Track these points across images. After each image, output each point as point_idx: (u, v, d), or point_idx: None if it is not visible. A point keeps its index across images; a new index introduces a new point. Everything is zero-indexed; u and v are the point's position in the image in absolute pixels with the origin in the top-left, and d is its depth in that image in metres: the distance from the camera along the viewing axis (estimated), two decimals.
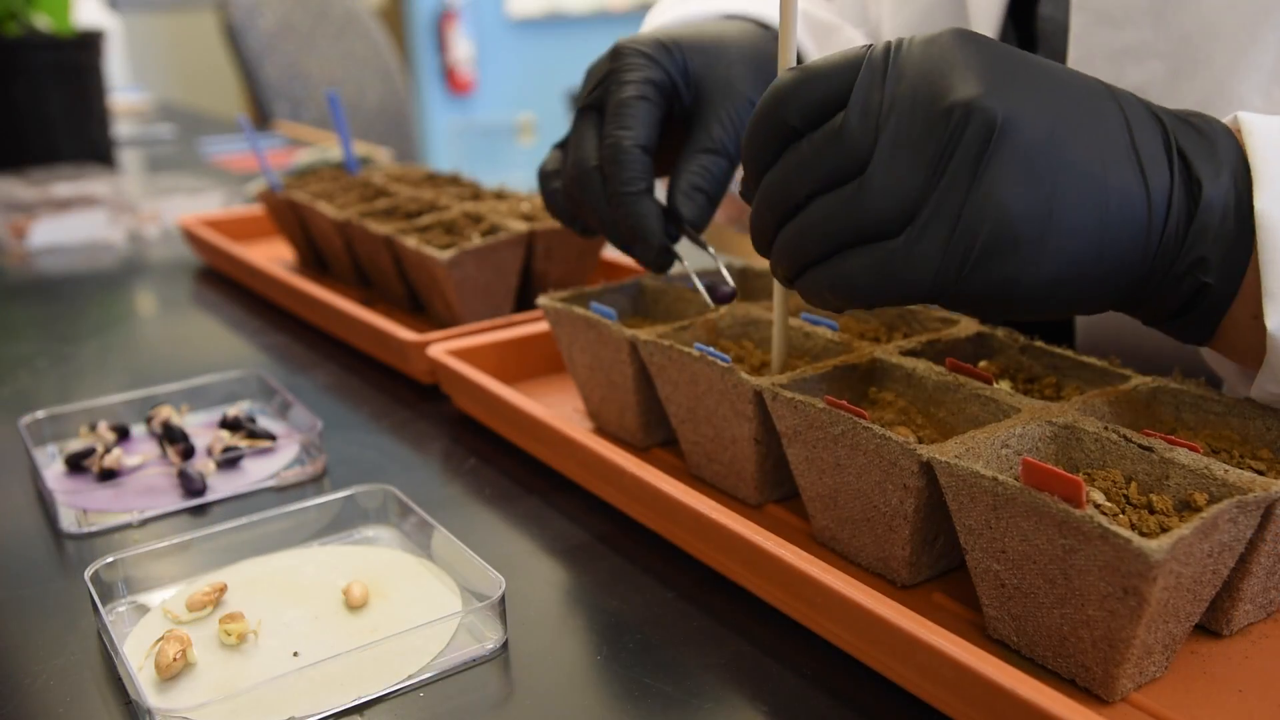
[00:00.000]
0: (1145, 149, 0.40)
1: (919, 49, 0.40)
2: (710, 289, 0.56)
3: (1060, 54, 0.62)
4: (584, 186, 0.57)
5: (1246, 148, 0.42)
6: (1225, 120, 0.43)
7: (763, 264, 0.67)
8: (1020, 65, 0.39)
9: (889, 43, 0.41)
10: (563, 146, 0.62)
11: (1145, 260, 0.40)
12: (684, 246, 0.58)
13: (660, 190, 0.58)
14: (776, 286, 0.51)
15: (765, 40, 0.63)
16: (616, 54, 0.59)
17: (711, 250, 0.59)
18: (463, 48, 4.17)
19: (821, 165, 0.40)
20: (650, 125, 0.57)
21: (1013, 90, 0.38)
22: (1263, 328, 0.42)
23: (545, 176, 0.62)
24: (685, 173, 0.57)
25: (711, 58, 0.60)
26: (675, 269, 0.58)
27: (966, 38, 0.40)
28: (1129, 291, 0.42)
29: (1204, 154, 0.41)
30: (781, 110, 0.41)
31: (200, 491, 0.59)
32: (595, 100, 0.59)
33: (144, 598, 0.49)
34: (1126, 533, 0.34)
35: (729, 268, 0.65)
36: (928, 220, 0.38)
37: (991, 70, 0.39)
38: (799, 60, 0.62)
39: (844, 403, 0.45)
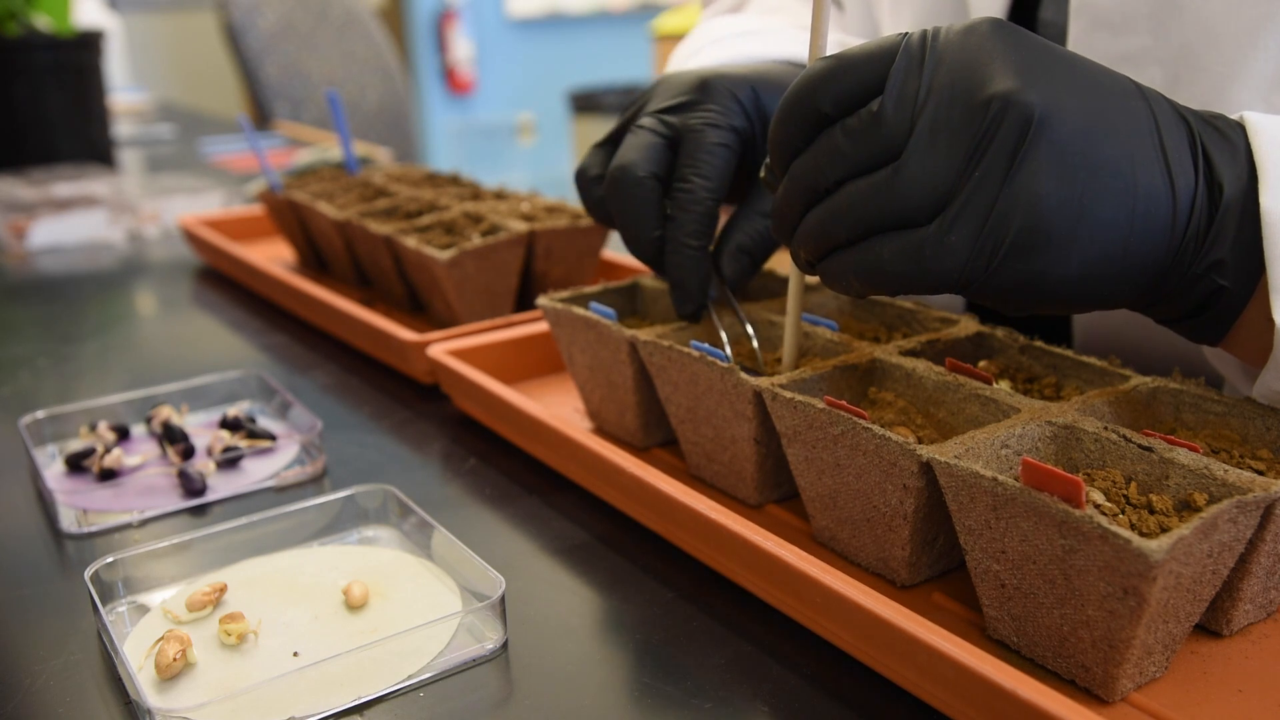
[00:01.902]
0: (1172, 149, 0.40)
1: (957, 38, 0.40)
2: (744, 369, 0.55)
3: None
4: (624, 192, 0.56)
5: (1253, 147, 0.42)
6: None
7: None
8: (1056, 60, 0.40)
9: (924, 31, 0.41)
10: (604, 146, 0.61)
11: (1166, 260, 0.41)
12: None
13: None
14: (791, 283, 0.51)
15: None
16: (705, 87, 0.58)
17: (740, 311, 0.58)
18: (463, 48, 4.18)
19: (855, 152, 0.40)
20: (727, 176, 0.56)
21: (1050, 85, 0.38)
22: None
23: (588, 181, 0.61)
24: (738, 232, 0.57)
25: None
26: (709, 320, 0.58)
27: (1004, 28, 0.40)
28: (1148, 291, 0.42)
29: (1227, 157, 0.41)
30: (815, 97, 0.41)
31: (200, 491, 0.59)
32: (669, 125, 0.57)
33: (144, 598, 0.49)
34: (1126, 533, 0.34)
35: None
36: (960, 210, 0.39)
37: (1030, 63, 0.39)
38: None
39: (844, 403, 0.45)
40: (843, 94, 0.41)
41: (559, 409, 0.65)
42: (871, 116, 0.40)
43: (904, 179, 0.39)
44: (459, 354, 0.68)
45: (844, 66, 0.41)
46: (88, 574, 0.47)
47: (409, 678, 0.43)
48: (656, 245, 0.57)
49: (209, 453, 0.63)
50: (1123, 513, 0.40)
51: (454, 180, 1.00)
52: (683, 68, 0.65)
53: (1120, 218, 0.39)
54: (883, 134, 0.40)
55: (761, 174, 0.47)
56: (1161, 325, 0.45)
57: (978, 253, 0.39)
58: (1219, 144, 0.41)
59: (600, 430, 0.63)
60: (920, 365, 0.50)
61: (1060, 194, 0.38)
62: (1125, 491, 0.41)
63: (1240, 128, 0.42)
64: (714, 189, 0.56)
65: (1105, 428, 0.43)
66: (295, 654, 0.45)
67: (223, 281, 1.05)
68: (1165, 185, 0.40)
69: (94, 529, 0.56)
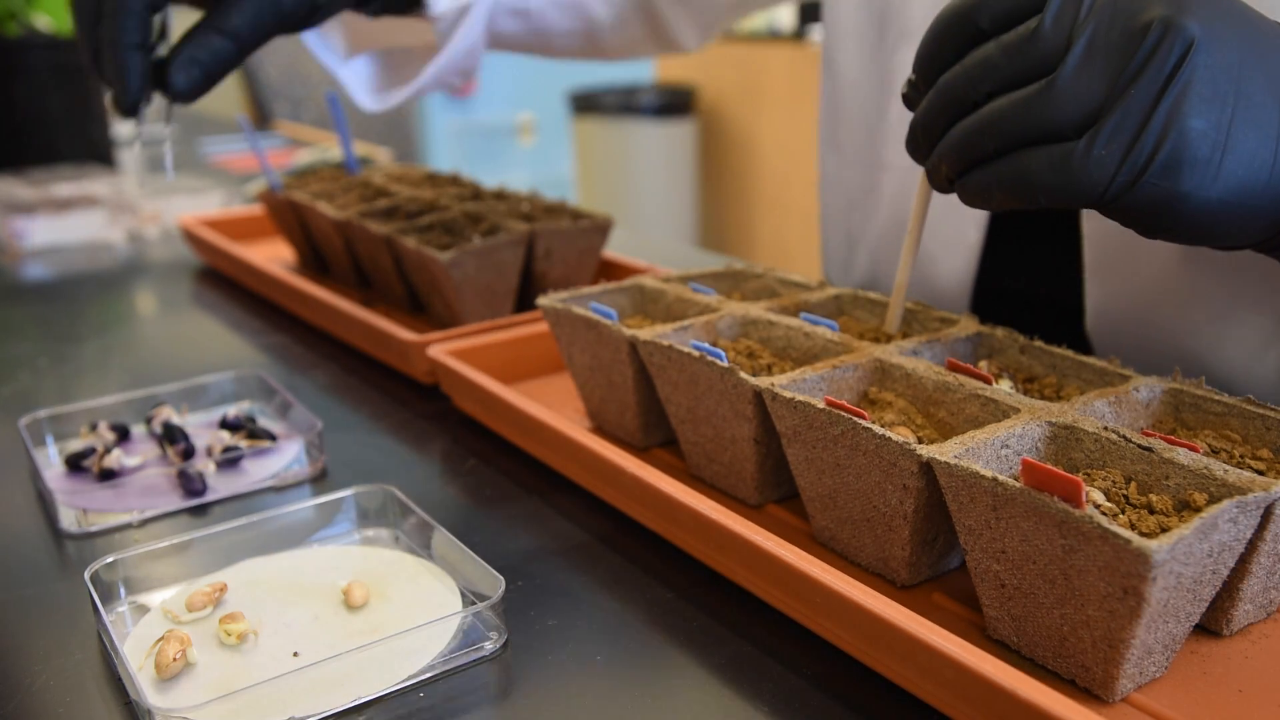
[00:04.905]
0: None
1: None
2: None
3: None
4: (79, 6, 0.61)
5: None
6: None
7: (758, 264, 0.67)
8: None
9: None
10: None
11: None
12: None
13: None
14: (916, 205, 0.51)
15: None
16: None
17: (170, 127, 0.63)
18: None
19: (1009, 66, 0.42)
20: None
21: (1208, 14, 0.40)
22: None
23: None
24: (190, 45, 0.60)
25: None
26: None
27: None
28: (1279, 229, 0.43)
29: None
30: (974, 13, 0.43)
31: (200, 491, 0.59)
32: None
33: (144, 598, 0.49)
34: (1126, 533, 0.34)
35: (727, 269, 0.65)
36: (1112, 126, 0.40)
37: None
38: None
39: (844, 403, 0.45)
40: (1002, 12, 0.42)
41: (559, 409, 0.65)
42: (1030, 32, 0.41)
43: (1057, 92, 0.40)
44: (459, 354, 0.68)
45: None
46: (88, 574, 0.47)
47: (409, 678, 0.43)
48: (93, 46, 0.61)
49: (209, 453, 0.63)
50: (1122, 513, 0.40)
51: (454, 180, 1.00)
52: None
53: (1263, 150, 0.41)
54: (1039, 49, 0.41)
55: (903, 90, 0.48)
56: None
57: (1126, 168, 0.40)
58: None
59: (600, 430, 0.63)
60: (920, 365, 0.50)
61: (1208, 118, 0.40)
62: (1125, 491, 0.41)
63: None
64: None
65: (1105, 428, 0.43)
66: (295, 654, 0.45)
67: (223, 281, 1.05)
68: None
69: (94, 529, 0.56)
